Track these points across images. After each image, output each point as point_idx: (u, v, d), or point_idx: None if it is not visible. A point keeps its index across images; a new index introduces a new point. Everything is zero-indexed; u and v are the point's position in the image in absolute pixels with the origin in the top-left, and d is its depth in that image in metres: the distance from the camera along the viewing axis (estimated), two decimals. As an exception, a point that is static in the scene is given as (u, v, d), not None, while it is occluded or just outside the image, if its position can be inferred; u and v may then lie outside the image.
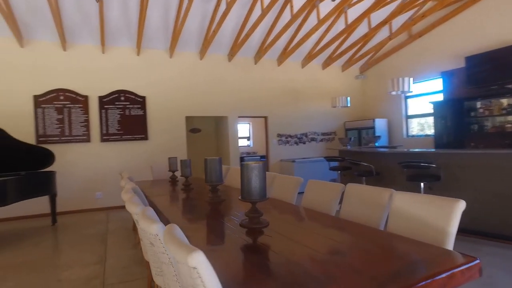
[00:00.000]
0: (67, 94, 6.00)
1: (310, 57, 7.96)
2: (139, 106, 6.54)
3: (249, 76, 7.65)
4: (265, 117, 7.92)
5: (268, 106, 7.86)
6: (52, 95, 5.89)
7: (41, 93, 5.83)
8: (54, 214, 5.14)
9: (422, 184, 3.97)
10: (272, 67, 7.92)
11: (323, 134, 8.50)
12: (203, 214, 2.53)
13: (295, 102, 8.13)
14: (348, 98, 6.96)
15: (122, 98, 6.41)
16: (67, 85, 6.03)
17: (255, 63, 7.71)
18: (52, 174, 5.01)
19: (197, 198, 3.17)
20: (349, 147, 6.16)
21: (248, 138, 10.93)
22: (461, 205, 1.57)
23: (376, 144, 7.19)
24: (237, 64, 7.54)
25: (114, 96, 6.34)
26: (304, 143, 8.23)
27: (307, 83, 8.34)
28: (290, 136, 8.09)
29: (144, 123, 6.57)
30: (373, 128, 7.95)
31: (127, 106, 6.45)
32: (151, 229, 1.43)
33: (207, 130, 8.63)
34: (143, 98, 6.59)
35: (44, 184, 4.80)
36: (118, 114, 6.37)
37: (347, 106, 7.04)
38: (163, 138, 6.80)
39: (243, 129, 10.77)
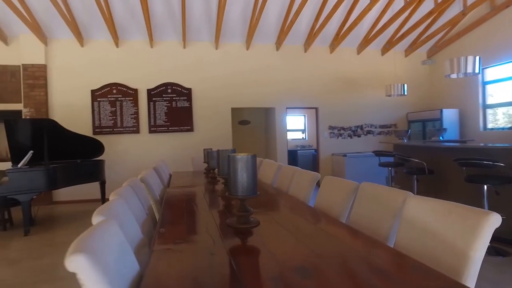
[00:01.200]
0: (119, 88, 6.49)
1: (366, 41, 7.39)
2: (185, 98, 6.78)
3: (299, 65, 7.39)
4: (316, 108, 7.63)
5: (319, 96, 7.51)
6: (106, 89, 6.44)
7: (97, 87, 6.41)
8: (103, 199, 5.64)
9: (485, 187, 3.33)
10: (324, 54, 7.53)
11: (382, 126, 7.85)
12: (202, 208, 2.35)
13: (349, 92, 7.63)
14: (405, 86, 6.24)
15: (169, 91, 6.72)
16: (119, 79, 6.52)
17: (305, 51, 7.41)
18: (101, 162, 5.48)
19: (214, 191, 3.07)
20: (405, 140, 5.59)
21: (303, 131, 10.71)
22: (492, 219, 1.16)
23: (441, 137, 6.44)
24: (285, 53, 7.33)
25: (161, 88, 6.67)
26: (359, 136, 7.71)
27: (363, 71, 7.76)
28: (343, 129, 7.64)
29: (190, 115, 6.80)
30: (440, 119, 7.10)
31: (174, 98, 6.74)
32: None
33: (256, 122, 8.61)
34: (189, 90, 6.82)
35: (93, 172, 5.26)
36: (165, 106, 6.70)
37: (403, 95, 6.33)
38: (209, 130, 6.95)
39: (298, 121, 10.59)
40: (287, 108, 7.39)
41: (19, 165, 4.33)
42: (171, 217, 2.11)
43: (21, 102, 6.16)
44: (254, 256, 1.38)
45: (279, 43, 7.10)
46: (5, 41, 6.13)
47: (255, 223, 1.79)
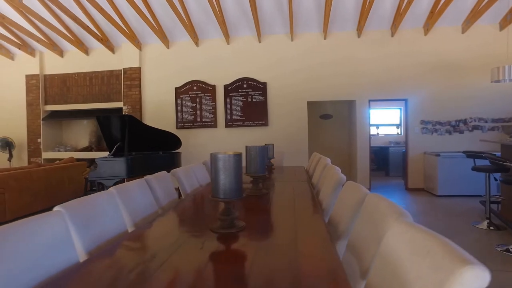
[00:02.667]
0: (199, 84, 7.07)
1: (475, 15, 6.14)
2: (260, 92, 6.94)
3: (384, 52, 6.69)
4: (405, 100, 6.82)
5: (409, 86, 6.65)
6: (187, 86, 7.10)
7: (180, 85, 7.14)
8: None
9: None
10: (416, 37, 6.62)
11: (495, 120, 6.50)
12: (207, 211, 2.36)
13: (448, 79, 6.52)
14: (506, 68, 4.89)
15: (245, 86, 6.98)
16: (199, 76, 7.10)
17: (392, 35, 6.67)
18: (177, 154, 6.10)
19: (246, 188, 2.96)
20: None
21: (398, 125, 9.75)
22: (467, 277, 0.77)
23: None
24: (368, 40, 6.74)
25: (237, 84, 6.99)
26: (461, 132, 6.54)
27: (469, 52, 6.51)
28: (440, 123, 6.60)
29: (265, 109, 6.93)
30: None
31: (249, 93, 6.97)
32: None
33: (339, 116, 8.19)
34: (264, 84, 6.94)
35: (168, 163, 5.86)
36: (241, 101, 6.99)
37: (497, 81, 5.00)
38: (283, 124, 6.96)
39: (392, 115, 9.71)
40: (370, 100, 6.80)
41: (107, 155, 5.25)
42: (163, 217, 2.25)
43: (121, 101, 7.40)
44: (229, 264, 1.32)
45: (359, 29, 6.56)
46: (112, 50, 7.43)
47: (240, 227, 1.73)
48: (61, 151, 7.69)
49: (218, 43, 7.08)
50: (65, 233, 1.50)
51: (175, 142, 6.20)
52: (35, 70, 7.66)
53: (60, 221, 1.49)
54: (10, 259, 1.19)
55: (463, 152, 4.43)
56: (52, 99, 7.75)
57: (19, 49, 7.47)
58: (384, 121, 9.59)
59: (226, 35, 6.86)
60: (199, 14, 6.42)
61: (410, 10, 6.06)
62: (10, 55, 7.79)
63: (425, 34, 6.56)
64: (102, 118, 5.30)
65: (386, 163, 8.75)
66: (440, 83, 6.58)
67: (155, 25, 6.64)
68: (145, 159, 5.47)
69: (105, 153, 6.06)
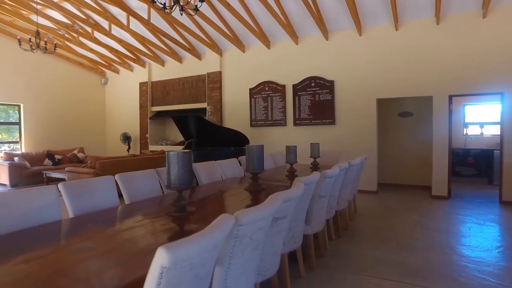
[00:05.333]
0: (270, 85, 7.62)
1: None
2: (327, 90, 7.01)
3: (470, 38, 5.83)
4: (501, 94, 5.77)
5: (507, 76, 5.62)
6: (260, 87, 7.74)
7: (253, 86, 7.86)
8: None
9: None
10: (517, 16, 5.57)
11: None
12: (212, 199, 2.93)
13: None
14: None
15: (313, 84, 7.16)
16: (270, 77, 7.65)
17: (484, 17, 5.74)
18: (242, 150, 6.73)
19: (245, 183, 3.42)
20: None
21: (482, 125, 8.10)
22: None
23: None
24: (450, 26, 5.99)
25: (305, 83, 7.23)
26: None
27: None
28: (550, 122, 5.37)
29: (332, 108, 6.97)
30: None
31: (317, 91, 7.12)
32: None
33: (420, 114, 7.41)
34: (331, 82, 6.97)
35: (231, 157, 6.61)
36: (309, 100, 7.21)
37: None
38: (351, 123, 6.87)
39: (481, 112, 8.16)
40: (450, 96, 6.04)
41: (180, 149, 6.36)
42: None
43: (205, 102, 8.60)
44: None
45: (437, 14, 5.91)
46: (199, 58, 8.69)
47: (189, 212, 2.24)
48: (163, 145, 9.47)
49: (287, 44, 7.48)
50: (55, 201, 2.25)
51: (243, 139, 6.95)
52: (145, 78, 9.65)
53: (54, 192, 2.27)
54: (11, 208, 2.02)
55: None
56: (156, 101, 9.59)
57: (134, 63, 9.59)
58: (488, 119, 8.11)
59: (294, 36, 7.20)
60: (267, 19, 6.93)
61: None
62: (130, 68, 10.05)
63: (531, 12, 5.45)
64: (177, 118, 6.47)
65: (490, 169, 7.45)
66: (551, 71, 5.36)
67: (230, 35, 7.59)
68: (210, 154, 6.38)
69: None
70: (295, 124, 7.40)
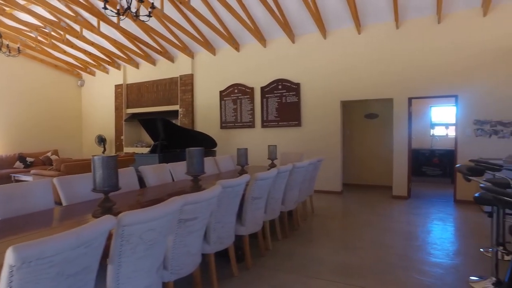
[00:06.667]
0: (239, 87, 7.74)
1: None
2: (294, 93, 7.15)
3: (428, 43, 6.01)
4: (455, 97, 5.98)
5: (460, 80, 5.82)
6: (230, 89, 7.85)
7: (223, 88, 7.96)
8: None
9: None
10: (470, 20, 5.73)
11: None
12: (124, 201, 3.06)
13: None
14: None
15: (280, 87, 7.29)
16: (239, 80, 7.77)
17: (439, 22, 5.94)
18: (211, 153, 6.89)
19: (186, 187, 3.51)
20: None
21: (447, 126, 8.34)
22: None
23: None
24: (409, 30, 6.18)
25: (273, 85, 7.37)
26: (533, 134, 5.38)
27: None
28: (502, 124, 5.54)
29: (298, 110, 7.11)
30: None
31: (284, 94, 7.25)
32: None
33: (386, 116, 7.55)
34: (298, 85, 7.11)
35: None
36: (276, 102, 7.33)
37: None
38: (316, 124, 7.01)
39: (447, 114, 8.36)
40: (410, 98, 6.22)
41: (146, 152, 6.46)
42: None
43: (178, 104, 8.68)
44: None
45: (396, 19, 6.07)
46: (172, 60, 8.77)
47: (116, 214, 2.35)
48: (138, 147, 9.52)
49: (255, 47, 7.61)
50: (48, 192, 2.74)
51: (211, 141, 7.06)
52: (121, 81, 9.71)
53: (48, 185, 2.75)
54: (11, 198, 2.50)
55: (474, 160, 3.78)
56: (131, 103, 9.64)
57: (110, 65, 9.65)
58: (452, 120, 8.29)
59: (262, 39, 7.34)
60: (235, 23, 7.03)
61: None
62: (106, 70, 10.09)
63: (484, 15, 5.60)
64: (143, 121, 6.56)
65: (453, 169, 7.65)
66: (502, 74, 5.56)
67: (200, 38, 7.71)
68: (177, 156, 6.48)
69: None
70: (263, 126, 7.53)
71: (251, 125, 7.66)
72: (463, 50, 5.82)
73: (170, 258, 2.18)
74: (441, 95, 6.14)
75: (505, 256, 3.29)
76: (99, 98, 10.39)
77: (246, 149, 4.48)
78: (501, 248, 3.31)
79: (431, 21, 6.03)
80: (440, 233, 4.31)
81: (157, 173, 3.99)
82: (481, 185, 2.21)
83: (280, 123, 7.32)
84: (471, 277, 2.93)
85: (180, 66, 8.62)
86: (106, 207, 2.38)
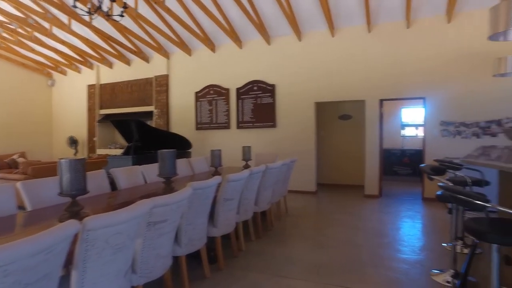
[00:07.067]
0: (215, 88, 7.75)
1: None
2: (269, 94, 7.23)
3: (398, 46, 6.24)
4: (423, 99, 6.23)
5: (428, 83, 6.08)
6: (205, 90, 7.84)
7: (199, 89, 7.94)
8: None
9: None
10: (436, 26, 6.01)
11: (540, 121, 5.45)
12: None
13: (476, 73, 5.73)
14: None
15: (255, 88, 7.36)
16: (215, 81, 7.77)
17: (408, 27, 6.18)
18: (186, 154, 6.82)
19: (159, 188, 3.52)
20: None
21: (416, 127, 8.70)
22: None
23: None
24: (380, 34, 6.39)
25: (248, 87, 7.43)
26: (494, 135, 5.66)
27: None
28: (465, 125, 5.86)
29: (273, 111, 7.20)
30: None
31: (259, 95, 7.33)
32: None
33: (360, 117, 7.73)
34: (273, 86, 7.21)
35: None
36: (251, 103, 7.40)
37: None
38: (291, 126, 7.13)
39: (416, 115, 8.67)
40: (381, 100, 6.45)
41: (120, 154, 6.35)
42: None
43: (153, 105, 8.58)
44: None
45: (368, 22, 6.25)
46: (147, 60, 8.65)
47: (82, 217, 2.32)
48: (112, 148, 9.33)
49: (231, 48, 7.63)
50: (10, 197, 2.64)
51: (186, 143, 7.02)
52: (94, 81, 9.47)
53: (11, 189, 2.66)
54: None
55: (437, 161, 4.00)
56: (105, 104, 9.43)
57: (82, 65, 9.39)
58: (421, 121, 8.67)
59: (238, 41, 7.38)
60: (210, 24, 7.03)
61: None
62: (78, 70, 9.82)
63: (449, 21, 5.88)
64: (116, 122, 6.44)
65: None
66: (467, 78, 5.83)
67: (175, 38, 7.65)
68: (151, 158, 6.40)
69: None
70: (238, 127, 7.57)
71: (226, 126, 7.67)
72: (429, 55, 6.08)
73: (139, 261, 2.17)
74: (410, 97, 6.41)
75: (463, 250, 3.48)
76: (70, 98, 10.09)
77: (220, 150, 4.50)
78: (460, 242, 3.51)
79: (401, 26, 6.26)
80: (408, 230, 4.49)
81: (129, 175, 3.94)
82: (440, 184, 2.34)
83: (255, 124, 7.38)
84: (432, 270, 3.09)
85: (155, 67, 8.51)
86: (74, 212, 2.34)
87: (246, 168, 5.13)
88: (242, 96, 7.49)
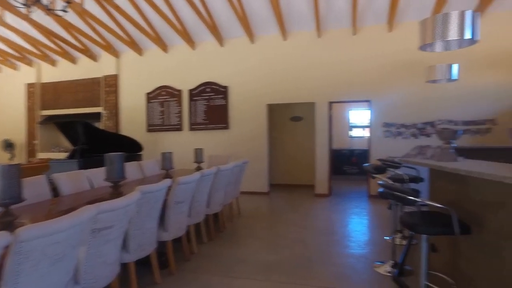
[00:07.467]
0: (167, 90, 7.59)
1: (439, 5, 5.79)
2: (222, 96, 7.23)
3: (346, 52, 6.57)
4: (368, 102, 6.65)
5: (372, 87, 6.47)
6: (157, 91, 7.65)
7: (150, 90, 7.72)
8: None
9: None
10: (379, 35, 6.42)
11: (468, 123, 6.07)
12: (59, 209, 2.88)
13: (414, 78, 6.22)
14: (455, 66, 4.52)
15: (208, 90, 7.33)
16: (167, 82, 7.61)
17: (354, 34, 6.56)
18: (137, 156, 6.59)
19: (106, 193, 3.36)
20: None
21: (363, 128, 9.28)
22: None
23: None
24: (329, 39, 6.68)
25: (201, 88, 7.37)
26: (428, 135, 6.21)
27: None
28: (404, 126, 6.35)
29: (226, 113, 7.21)
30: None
31: (212, 96, 7.30)
32: None
33: (310, 118, 8.02)
34: (226, 88, 7.22)
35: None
36: (204, 104, 7.35)
37: (452, 80, 4.58)
38: (243, 127, 7.20)
39: (362, 117, 9.21)
40: (330, 102, 6.75)
41: (64, 157, 5.99)
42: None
43: (101, 106, 8.18)
44: None
45: (318, 28, 6.52)
46: (94, 59, 8.24)
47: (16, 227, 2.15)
48: (55, 152, 8.74)
49: (183, 49, 7.53)
50: None
51: (136, 145, 6.79)
52: (33, 79, 8.80)
53: None
54: None
55: (380, 159, 4.32)
56: (47, 104, 8.80)
57: (19, 61, 8.67)
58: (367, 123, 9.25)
59: (190, 42, 7.29)
60: (162, 24, 6.90)
61: (370, 4, 5.93)
62: (14, 66, 9.05)
63: (390, 30, 6.33)
64: (61, 124, 6.06)
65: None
66: (405, 82, 6.29)
67: (126, 37, 7.38)
68: (99, 161, 6.11)
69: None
70: (191, 129, 7.48)
71: (179, 128, 7.54)
72: (373, 60, 6.47)
73: (82, 270, 2.06)
74: (357, 100, 6.77)
75: (402, 242, 3.77)
76: (5, 98, 9.26)
77: (171, 152, 4.42)
78: (399, 235, 3.79)
79: (348, 33, 6.60)
80: (355, 227, 4.74)
81: (74, 180, 3.73)
82: (379, 182, 2.51)
83: (208, 126, 7.34)
84: (375, 263, 3.31)
85: (104, 66, 8.12)
86: (6, 222, 2.16)
87: (198, 170, 5.12)
88: (194, 98, 7.40)
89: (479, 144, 5.95)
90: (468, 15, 2.31)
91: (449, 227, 1.97)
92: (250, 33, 6.86)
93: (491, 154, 4.59)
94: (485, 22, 5.77)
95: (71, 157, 5.99)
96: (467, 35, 2.30)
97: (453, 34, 2.31)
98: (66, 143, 9.08)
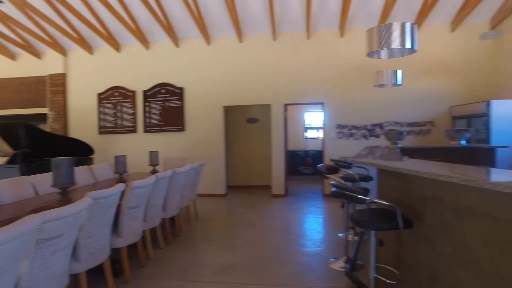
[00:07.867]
0: (120, 90, 7.30)
1: (385, 15, 6.18)
2: (177, 97, 7.11)
3: (301, 55, 6.78)
4: (322, 104, 6.92)
5: (326, 89, 6.74)
6: (109, 92, 7.33)
7: (102, 91, 7.37)
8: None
9: None
10: (331, 39, 6.69)
11: (411, 124, 6.56)
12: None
13: (364, 82, 6.57)
14: (399, 72, 4.93)
15: (163, 91, 7.17)
16: (120, 82, 7.33)
17: (308, 38, 6.78)
18: (87, 160, 6.29)
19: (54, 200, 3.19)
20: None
21: (318, 130, 9.65)
22: None
23: (464, 142, 5.08)
24: (284, 42, 6.85)
25: (156, 89, 7.19)
26: (377, 136, 6.61)
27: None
28: (356, 128, 6.71)
29: (182, 114, 7.11)
30: (486, 115, 5.50)
31: (167, 98, 7.15)
32: None
33: (267, 120, 8.10)
34: (181, 89, 7.12)
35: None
36: (159, 106, 7.18)
37: (397, 85, 5.02)
38: (200, 129, 7.14)
39: (317, 118, 9.52)
40: (285, 104, 6.91)
41: (3, 162, 5.54)
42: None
43: (47, 106, 7.66)
44: None
45: (274, 31, 6.64)
46: (38, 56, 7.68)
47: None
48: (-7, 156, 8.04)
49: (137, 48, 7.29)
50: None
51: (87, 148, 6.46)
52: (-35, 76, 8.02)
53: None
54: None
55: (333, 160, 4.55)
56: (-17, 104, 8.09)
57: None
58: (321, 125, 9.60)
59: (144, 41, 7.08)
60: (115, 23, 6.62)
61: (323, 10, 6.15)
62: None
63: (341, 35, 6.65)
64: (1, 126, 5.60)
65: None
66: (357, 86, 6.63)
67: (74, 34, 6.96)
68: (45, 166, 5.72)
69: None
70: (145, 131, 7.26)
71: (133, 130, 7.28)
72: (326, 64, 6.73)
73: (25, 285, 1.93)
74: (311, 102, 7.00)
75: (354, 238, 3.97)
76: None
77: (125, 156, 4.27)
78: (351, 232, 3.99)
79: (302, 36, 6.80)
80: (310, 225, 4.90)
81: (15, 187, 3.45)
82: (331, 182, 2.64)
83: (163, 128, 7.17)
84: (330, 259, 3.45)
85: (50, 64, 7.59)
86: None
87: (153, 174, 4.98)
88: (149, 99, 7.19)
89: (421, 144, 6.44)
90: (408, 27, 2.51)
91: (394, 223, 2.13)
92: (206, 34, 6.83)
93: (431, 154, 4.99)
94: (422, 34, 6.28)
95: (11, 162, 5.55)
96: (408, 44, 2.50)
97: (395, 43, 2.50)
98: (6, 147, 8.38)
